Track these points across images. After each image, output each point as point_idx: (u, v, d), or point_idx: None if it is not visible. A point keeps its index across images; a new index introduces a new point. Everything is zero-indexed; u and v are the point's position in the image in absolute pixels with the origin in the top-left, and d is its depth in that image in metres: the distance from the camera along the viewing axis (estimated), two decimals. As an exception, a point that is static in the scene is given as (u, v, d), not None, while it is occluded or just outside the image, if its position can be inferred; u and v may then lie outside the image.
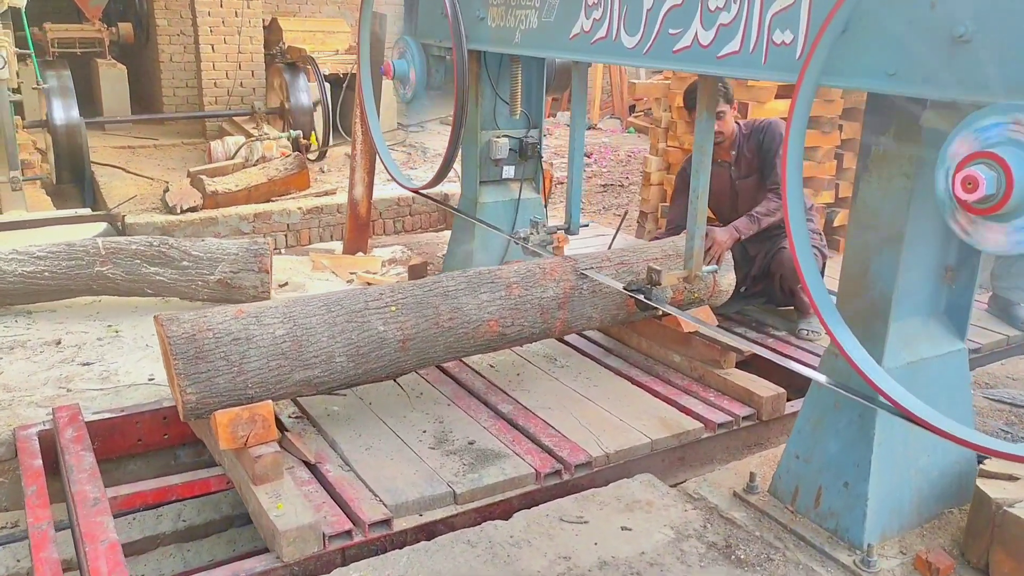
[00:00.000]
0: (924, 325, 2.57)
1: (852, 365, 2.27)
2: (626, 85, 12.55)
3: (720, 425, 3.21)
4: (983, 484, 2.40)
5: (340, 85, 8.93)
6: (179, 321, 2.70)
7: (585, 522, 2.66)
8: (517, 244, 4.14)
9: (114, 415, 3.23)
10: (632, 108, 12.75)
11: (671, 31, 2.99)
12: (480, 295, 3.15)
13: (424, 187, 4.90)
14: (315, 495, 2.69)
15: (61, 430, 3.03)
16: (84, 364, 3.78)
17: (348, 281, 5.19)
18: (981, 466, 2.50)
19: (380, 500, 2.66)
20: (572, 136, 4.03)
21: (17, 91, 6.41)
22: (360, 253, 5.83)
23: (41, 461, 2.92)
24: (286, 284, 5.01)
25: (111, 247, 4.29)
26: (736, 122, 4.20)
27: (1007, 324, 4.37)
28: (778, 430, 3.36)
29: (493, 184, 4.72)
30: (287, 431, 3.04)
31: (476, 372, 3.59)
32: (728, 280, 3.75)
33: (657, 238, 4.36)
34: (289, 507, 2.52)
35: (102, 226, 5.65)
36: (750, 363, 3.60)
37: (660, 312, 3.35)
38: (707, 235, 3.74)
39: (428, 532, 2.64)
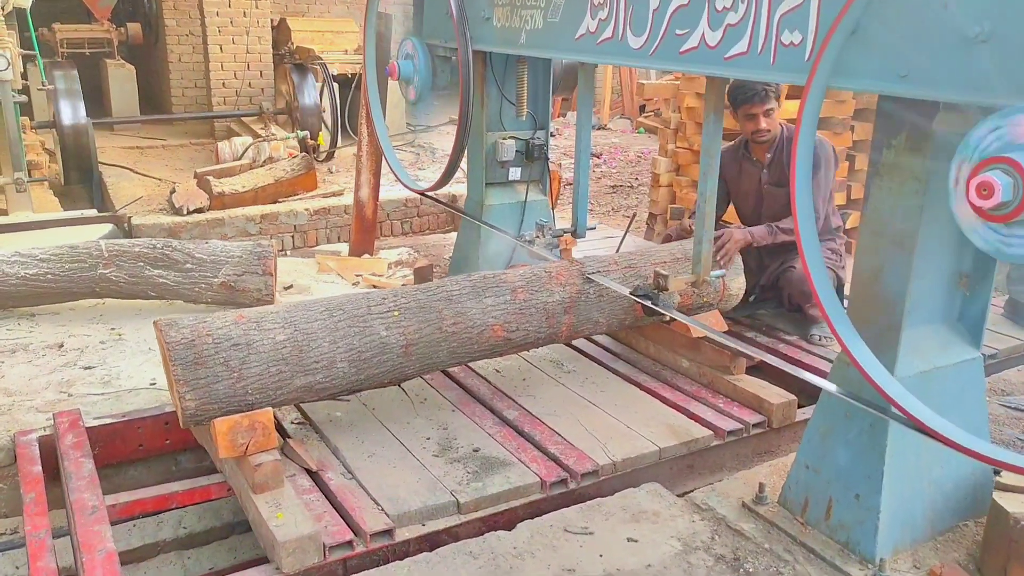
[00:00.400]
0: (938, 333, 2.50)
1: (863, 375, 2.21)
2: (636, 85, 12.48)
3: (730, 433, 3.15)
4: (1000, 498, 2.34)
5: (349, 85, 8.90)
6: (178, 326, 2.66)
7: (590, 533, 2.61)
8: (523, 247, 4.10)
9: (115, 420, 3.20)
10: (642, 108, 12.68)
11: (678, 32, 2.93)
12: (484, 299, 3.10)
13: (430, 189, 4.86)
14: (316, 504, 2.65)
15: (61, 436, 3.00)
16: (86, 368, 3.75)
17: (354, 283, 5.16)
18: (997, 478, 2.44)
19: (382, 509, 2.62)
20: (578, 137, 3.98)
21: (23, 92, 6.40)
22: (366, 255, 5.80)
23: (40, 467, 2.89)
24: (291, 287, 4.98)
25: (114, 249, 4.27)
26: (783, 125, 4.01)
27: (1022, 328, 4.29)
28: (788, 437, 3.30)
29: (499, 186, 4.67)
30: (289, 437, 3.00)
31: (482, 377, 3.54)
32: (738, 284, 3.69)
33: (670, 236, 4.29)
34: (289, 516, 2.48)
35: (108, 227, 5.64)
36: (760, 367, 3.54)
37: (668, 317, 3.29)
38: (723, 232, 3.68)
39: (431, 542, 2.60)
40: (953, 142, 2.06)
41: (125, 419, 3.19)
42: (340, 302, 2.91)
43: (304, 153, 7.48)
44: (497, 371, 3.62)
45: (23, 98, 6.20)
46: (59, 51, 9.61)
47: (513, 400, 3.34)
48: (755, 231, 3.85)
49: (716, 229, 3.54)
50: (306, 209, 6.84)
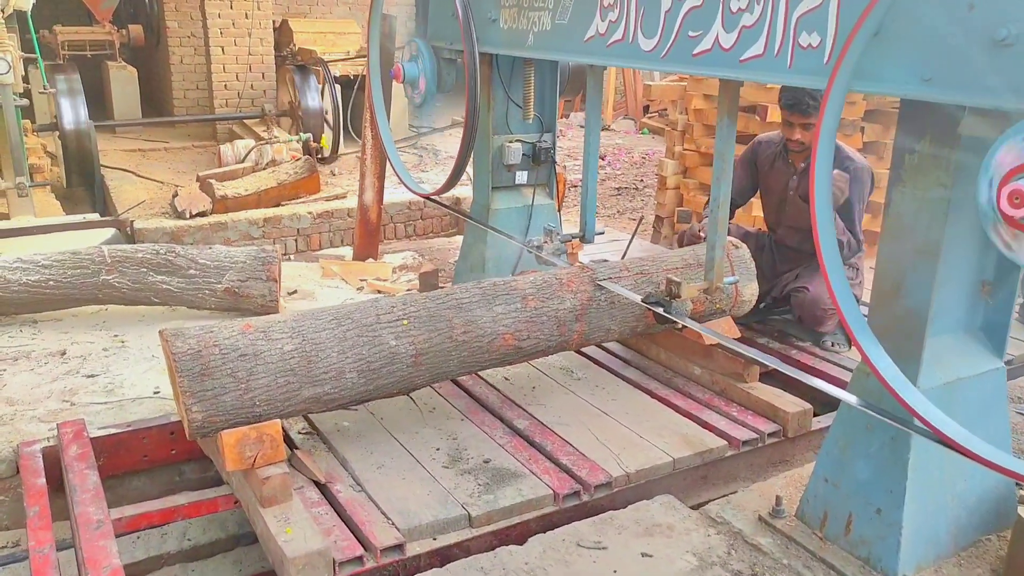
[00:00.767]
0: (960, 342, 2.44)
1: (886, 386, 2.16)
2: (640, 86, 12.42)
3: (745, 442, 3.10)
4: (1025, 513, 2.28)
5: (351, 87, 8.85)
6: (184, 336, 2.61)
7: (603, 548, 2.55)
8: (531, 252, 4.04)
9: (120, 430, 3.15)
10: (646, 109, 12.62)
11: (690, 34, 2.87)
12: (495, 307, 3.05)
13: (435, 192, 4.80)
14: (325, 518, 2.59)
15: (65, 447, 2.95)
16: (89, 376, 3.70)
17: (358, 288, 5.11)
18: (1022, 492, 2.38)
19: (392, 523, 2.57)
20: (587, 140, 3.92)
21: (25, 95, 6.35)
22: (370, 259, 5.74)
23: (44, 480, 2.84)
24: (295, 292, 4.93)
25: (117, 255, 4.22)
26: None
27: None
28: (804, 446, 3.25)
29: (505, 190, 4.62)
30: (296, 448, 2.95)
31: (490, 385, 3.49)
32: (751, 290, 3.63)
33: (684, 234, 4.24)
34: (298, 531, 2.42)
35: (110, 232, 5.59)
36: (772, 374, 3.48)
37: (680, 324, 3.24)
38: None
39: (442, 557, 2.55)
40: (982, 147, 2.01)
41: (130, 429, 3.14)
42: (349, 311, 2.86)
43: (307, 156, 7.44)
44: (506, 379, 3.56)
45: (24, 101, 6.15)
46: (60, 53, 9.55)
47: (523, 409, 3.29)
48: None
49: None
50: (309, 212, 6.80)
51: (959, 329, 2.44)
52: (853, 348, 3.92)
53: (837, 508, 2.52)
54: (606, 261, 4.14)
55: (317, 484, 2.79)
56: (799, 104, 3.72)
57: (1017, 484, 2.47)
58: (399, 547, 2.49)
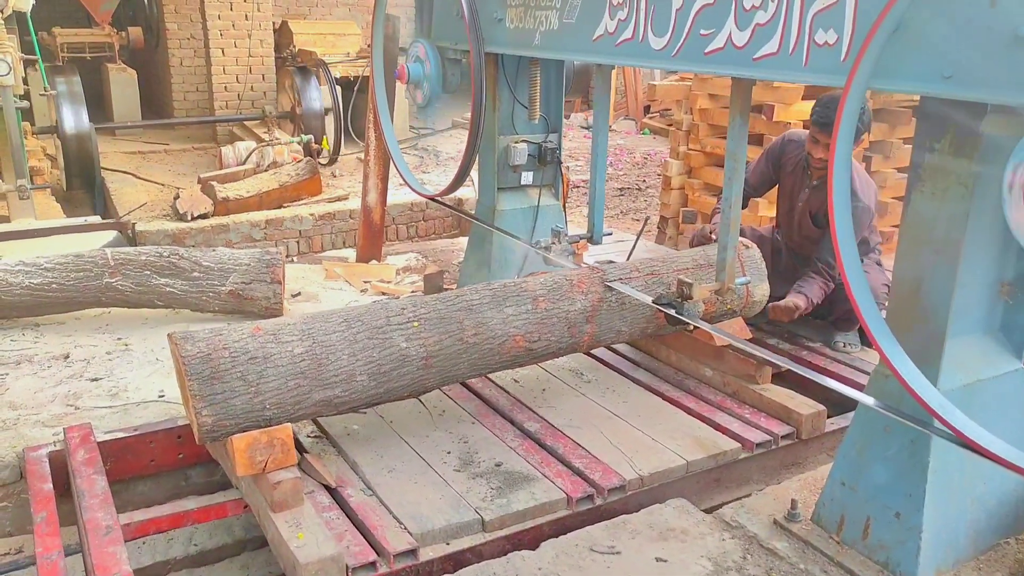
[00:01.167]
0: (980, 344, 2.41)
1: (907, 388, 2.13)
2: (640, 85, 12.39)
3: (758, 445, 3.07)
4: (1047, 514, 2.26)
5: (351, 88, 8.82)
6: (194, 339, 2.58)
7: (617, 553, 2.52)
8: (538, 254, 4.01)
9: (127, 435, 3.11)
10: (647, 109, 12.59)
11: (702, 32, 2.85)
12: (505, 309, 3.01)
13: (440, 194, 4.77)
14: (337, 522, 2.56)
15: (72, 451, 2.91)
16: (93, 380, 3.67)
17: (362, 290, 5.07)
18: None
19: (405, 528, 2.54)
20: (595, 141, 3.89)
21: (25, 97, 6.31)
22: (374, 261, 5.71)
23: (51, 485, 2.80)
24: (299, 294, 4.90)
25: (120, 258, 4.18)
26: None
27: None
28: (817, 448, 3.22)
29: (511, 191, 4.59)
30: (306, 452, 2.92)
31: (500, 388, 3.46)
32: (762, 291, 3.61)
33: (695, 235, 4.20)
34: (310, 536, 2.39)
35: (112, 234, 5.54)
36: (783, 375, 3.45)
37: (691, 325, 3.21)
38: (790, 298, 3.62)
39: (455, 562, 2.52)
40: (1004, 145, 1.99)
41: (137, 433, 3.11)
42: (359, 313, 2.83)
43: (308, 157, 7.40)
44: (515, 381, 3.53)
45: (25, 104, 6.11)
46: (60, 55, 9.52)
47: (533, 411, 3.26)
48: (811, 294, 3.73)
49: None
50: (311, 214, 6.77)
51: (978, 330, 2.41)
52: (864, 349, 3.91)
53: (854, 512, 2.49)
54: (612, 262, 4.12)
55: (327, 488, 2.75)
56: (828, 125, 3.66)
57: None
58: (412, 552, 2.46)
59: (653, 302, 3.19)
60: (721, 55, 2.79)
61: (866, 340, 3.89)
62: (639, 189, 8.95)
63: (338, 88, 8.41)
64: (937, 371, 2.30)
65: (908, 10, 2.04)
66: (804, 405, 3.20)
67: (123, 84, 9.65)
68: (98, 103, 9.41)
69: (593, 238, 3.99)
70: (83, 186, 7.36)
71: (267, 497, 2.52)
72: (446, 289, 4.89)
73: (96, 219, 6.05)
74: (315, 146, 7.99)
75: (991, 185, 2.13)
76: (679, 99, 6.04)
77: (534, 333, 3.05)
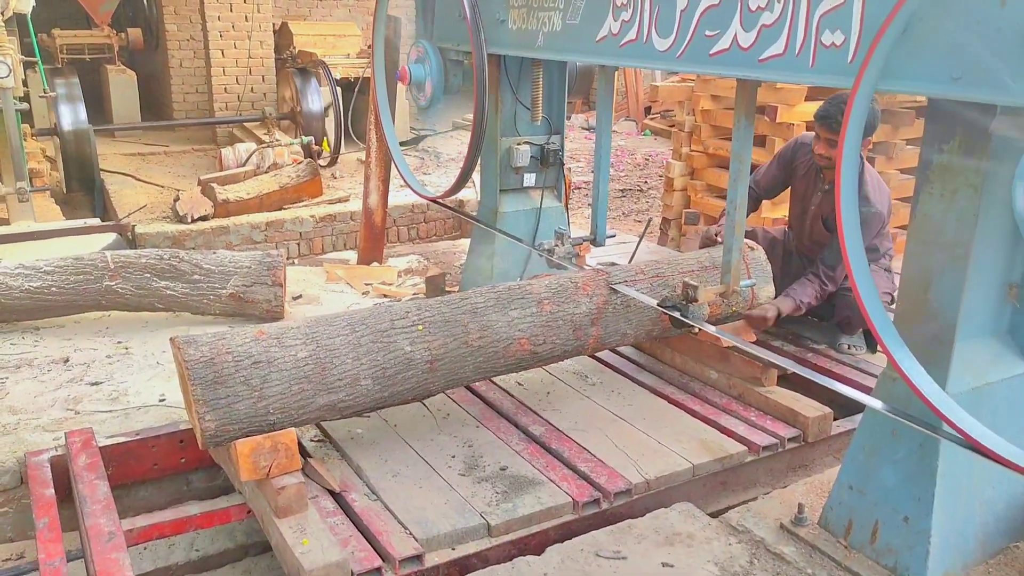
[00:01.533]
0: (988, 346, 2.39)
1: (916, 392, 2.11)
2: (641, 86, 12.38)
3: (765, 448, 3.05)
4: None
5: (352, 90, 8.80)
6: (197, 344, 2.56)
7: (623, 558, 2.50)
8: (541, 256, 3.99)
9: (129, 439, 3.09)
10: (648, 110, 12.58)
11: (707, 33, 2.83)
12: (510, 312, 3.00)
13: (442, 195, 4.76)
14: (341, 528, 2.54)
15: (74, 456, 2.89)
16: (93, 384, 3.64)
17: (363, 293, 5.05)
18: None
19: (410, 533, 2.52)
20: (598, 142, 3.87)
21: (24, 99, 6.29)
22: (375, 263, 5.69)
23: (53, 490, 2.78)
24: (300, 296, 4.88)
25: (120, 261, 4.16)
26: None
27: None
28: (823, 451, 3.20)
29: (513, 193, 4.58)
30: (309, 457, 2.90)
31: (504, 391, 3.44)
32: (767, 293, 3.59)
33: (701, 237, 4.18)
34: (315, 542, 2.37)
35: (111, 237, 5.52)
36: (789, 377, 3.44)
37: (696, 328, 3.19)
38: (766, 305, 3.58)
39: (461, 567, 2.50)
40: (1014, 146, 1.97)
41: (139, 438, 3.09)
42: (363, 316, 2.81)
43: (308, 159, 7.38)
44: (519, 384, 3.51)
45: (24, 105, 6.09)
46: (59, 57, 9.50)
47: (538, 415, 3.24)
48: (802, 297, 3.69)
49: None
50: (312, 216, 6.75)
51: (986, 333, 2.39)
52: (870, 351, 3.90)
53: (862, 516, 2.48)
54: (615, 264, 4.10)
55: (332, 493, 2.73)
56: (829, 119, 3.63)
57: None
58: (418, 558, 2.44)
59: (658, 305, 3.17)
60: (726, 56, 2.77)
61: (871, 343, 3.88)
62: (641, 190, 8.94)
63: (338, 89, 8.40)
64: (945, 374, 2.28)
65: (917, 11, 2.03)
66: (810, 408, 3.19)
67: (123, 85, 9.63)
68: (98, 105, 9.39)
69: (596, 240, 3.97)
70: (82, 188, 7.34)
71: (271, 502, 2.50)
72: (448, 291, 4.88)
73: (96, 221, 6.03)
74: (315, 147, 7.97)
75: (1000, 186, 2.12)
76: (681, 100, 6.03)
77: (539, 336, 3.04)
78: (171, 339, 2.62)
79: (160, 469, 3.13)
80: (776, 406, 3.23)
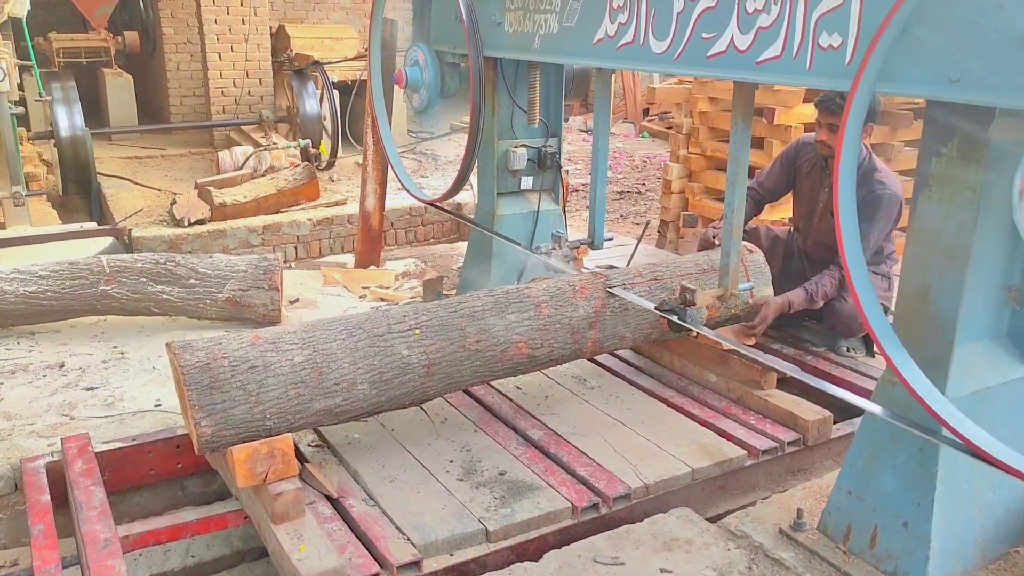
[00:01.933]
0: (987, 350, 2.39)
1: (915, 396, 2.10)
2: (639, 88, 12.38)
3: (764, 451, 3.04)
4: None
5: (348, 92, 8.79)
6: (193, 349, 2.54)
7: (621, 564, 2.49)
8: (539, 259, 3.98)
9: (125, 445, 3.07)
10: (646, 112, 12.58)
11: (704, 35, 2.83)
12: (508, 315, 2.98)
13: (439, 199, 4.75)
14: (339, 534, 2.53)
15: (70, 462, 2.87)
16: (88, 389, 3.63)
17: (361, 296, 5.04)
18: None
19: (408, 539, 2.50)
20: (595, 145, 3.86)
21: (20, 103, 6.27)
22: (372, 267, 5.68)
23: (49, 497, 2.76)
24: (297, 300, 4.86)
25: (116, 265, 4.14)
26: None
27: None
28: (823, 455, 3.19)
29: (511, 196, 4.57)
30: (307, 462, 2.88)
31: (502, 395, 3.42)
32: (765, 295, 3.57)
33: (700, 239, 4.16)
34: (312, 549, 2.36)
35: (108, 241, 5.51)
36: (788, 380, 3.42)
37: (695, 332, 3.18)
38: (765, 302, 3.55)
39: (459, 573, 2.48)
40: (1013, 150, 1.96)
41: (135, 443, 3.07)
42: (359, 320, 2.79)
43: (306, 162, 7.37)
44: (518, 388, 3.50)
45: (20, 109, 6.07)
46: (55, 61, 9.48)
47: (536, 419, 3.23)
48: (792, 297, 3.64)
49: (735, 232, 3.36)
50: (309, 219, 6.74)
51: (986, 336, 2.38)
52: (868, 355, 3.89)
53: (862, 521, 2.46)
54: (613, 267, 4.09)
55: (329, 498, 2.72)
56: (828, 102, 3.61)
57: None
58: (416, 564, 2.42)
59: (656, 308, 3.16)
60: (723, 59, 2.76)
61: (870, 346, 3.87)
62: (639, 193, 8.93)
63: (335, 92, 8.39)
64: (945, 378, 2.27)
65: (914, 13, 2.02)
66: (810, 411, 3.17)
67: (119, 89, 9.62)
68: (94, 108, 9.38)
69: (594, 243, 3.96)
70: (79, 192, 7.32)
71: (268, 509, 2.48)
72: (446, 295, 4.87)
73: (92, 225, 6.02)
74: (313, 151, 7.96)
75: (999, 190, 2.11)
76: (679, 102, 6.03)
77: (537, 340, 3.02)
78: (167, 344, 2.60)
79: (156, 475, 3.11)
80: (775, 409, 3.22)
